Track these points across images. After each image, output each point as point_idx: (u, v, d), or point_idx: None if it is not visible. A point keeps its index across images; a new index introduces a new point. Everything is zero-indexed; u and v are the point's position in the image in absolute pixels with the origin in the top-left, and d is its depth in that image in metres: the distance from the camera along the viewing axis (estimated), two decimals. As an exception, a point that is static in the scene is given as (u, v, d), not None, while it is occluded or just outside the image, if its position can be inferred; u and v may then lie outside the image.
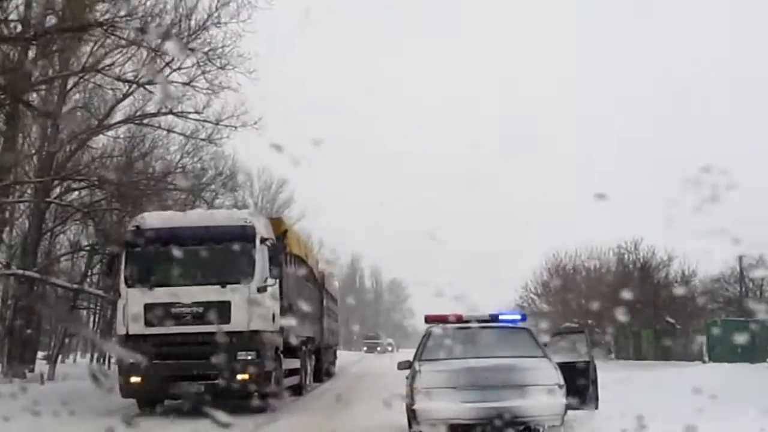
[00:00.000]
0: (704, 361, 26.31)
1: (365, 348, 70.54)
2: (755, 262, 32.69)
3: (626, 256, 36.16)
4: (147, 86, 23.90)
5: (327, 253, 72.94)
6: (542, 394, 8.73)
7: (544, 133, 76.97)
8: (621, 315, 32.78)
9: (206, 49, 20.00)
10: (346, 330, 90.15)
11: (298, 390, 16.97)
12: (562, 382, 8.83)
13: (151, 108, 24.85)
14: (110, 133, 25.57)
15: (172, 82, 20.55)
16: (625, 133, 72.16)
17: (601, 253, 40.58)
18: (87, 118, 24.72)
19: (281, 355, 14.56)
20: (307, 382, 18.42)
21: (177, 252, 13.25)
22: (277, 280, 14.06)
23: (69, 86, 23.55)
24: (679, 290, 32.52)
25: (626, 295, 32.34)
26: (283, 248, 15.05)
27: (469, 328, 10.17)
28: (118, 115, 24.99)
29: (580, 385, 9.60)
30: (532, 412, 8.65)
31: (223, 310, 12.98)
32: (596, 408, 9.93)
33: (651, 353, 32.87)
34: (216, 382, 12.77)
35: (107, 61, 22.23)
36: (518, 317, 11.08)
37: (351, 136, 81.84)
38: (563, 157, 71.77)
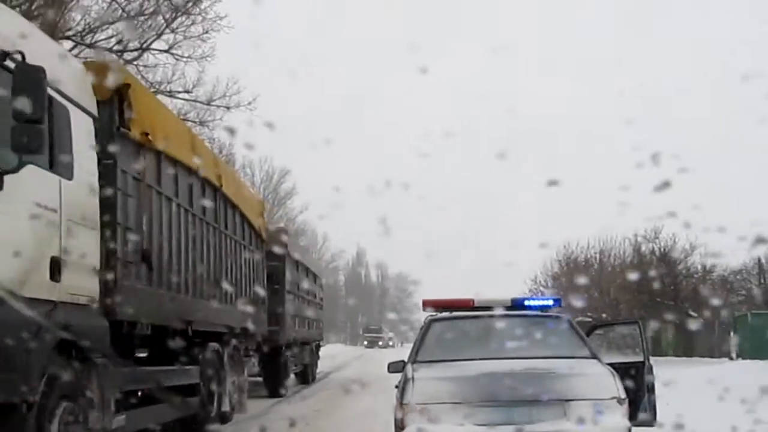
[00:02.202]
0: (732, 358, 24.54)
1: (366, 342, 67.27)
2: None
3: (643, 246, 34.40)
4: (133, 62, 22.51)
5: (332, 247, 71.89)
6: (596, 413, 5.91)
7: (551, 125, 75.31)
8: (638, 308, 31.06)
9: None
10: (351, 325, 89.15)
11: (196, 423, 9.56)
12: (623, 394, 6.08)
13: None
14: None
15: (151, 49, 18.89)
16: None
17: (615, 243, 39.01)
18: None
19: (101, 362, 6.37)
20: (225, 406, 10.74)
21: None
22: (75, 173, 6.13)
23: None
24: (701, 282, 30.75)
25: (644, 286, 30.77)
26: (116, 116, 7.17)
27: (483, 317, 7.36)
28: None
29: (632, 393, 6.61)
30: None
31: None
32: (653, 424, 7.08)
33: (671, 349, 31.09)
34: None
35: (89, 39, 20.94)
36: (550, 302, 8.02)
37: (354, 123, 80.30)
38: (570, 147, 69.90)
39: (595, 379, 6.23)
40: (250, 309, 12.48)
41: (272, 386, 15.58)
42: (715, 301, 28.15)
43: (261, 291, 13.33)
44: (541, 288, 43.58)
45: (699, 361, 24.42)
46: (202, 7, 18.93)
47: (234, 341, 11.45)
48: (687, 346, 29.10)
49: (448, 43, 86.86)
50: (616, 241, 38.57)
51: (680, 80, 70.57)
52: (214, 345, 10.20)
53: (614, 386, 6.12)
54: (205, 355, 9.83)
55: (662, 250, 32.84)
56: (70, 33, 19.19)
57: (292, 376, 18.52)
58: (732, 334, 25.78)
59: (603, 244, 39.81)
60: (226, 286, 10.84)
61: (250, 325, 12.06)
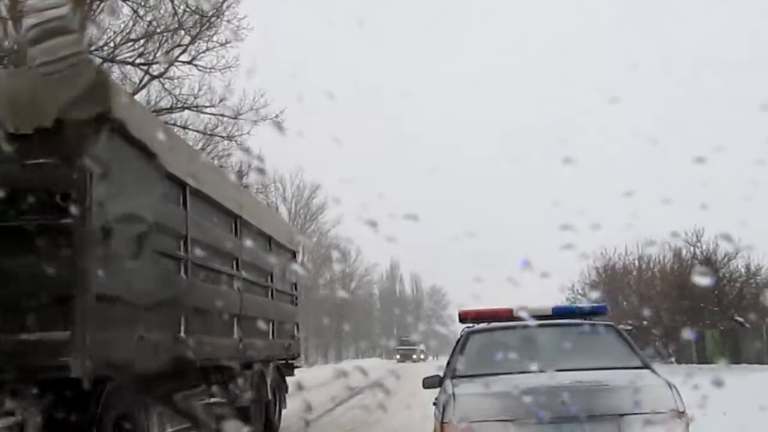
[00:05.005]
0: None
1: (398, 356, 63.95)
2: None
3: (684, 250, 33.52)
4: (160, 78, 22.32)
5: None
6: (653, 429, 5.36)
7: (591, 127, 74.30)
8: (680, 313, 30.12)
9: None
10: (386, 338, 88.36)
11: None
12: (682, 406, 5.50)
13: (164, 103, 23.31)
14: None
15: (173, 62, 18.63)
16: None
17: (654, 248, 38.24)
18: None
19: None
20: None
21: None
22: None
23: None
24: (747, 286, 29.73)
25: (685, 291, 29.89)
26: None
27: (525, 327, 6.80)
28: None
29: None
30: None
31: None
32: None
33: (717, 356, 30.09)
34: None
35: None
36: (594, 310, 7.59)
37: (380, 132, 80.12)
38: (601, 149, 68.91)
39: (651, 390, 5.67)
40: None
41: None
42: (762, 306, 27.25)
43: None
44: (579, 296, 42.85)
45: (747, 368, 23.53)
46: (225, 15, 18.61)
47: None
48: (733, 353, 28.08)
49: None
50: (655, 246, 37.82)
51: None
52: None
53: (672, 398, 5.54)
54: None
55: (704, 253, 31.92)
56: (92, 48, 19.05)
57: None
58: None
59: (641, 250, 39.12)
60: None
61: None
